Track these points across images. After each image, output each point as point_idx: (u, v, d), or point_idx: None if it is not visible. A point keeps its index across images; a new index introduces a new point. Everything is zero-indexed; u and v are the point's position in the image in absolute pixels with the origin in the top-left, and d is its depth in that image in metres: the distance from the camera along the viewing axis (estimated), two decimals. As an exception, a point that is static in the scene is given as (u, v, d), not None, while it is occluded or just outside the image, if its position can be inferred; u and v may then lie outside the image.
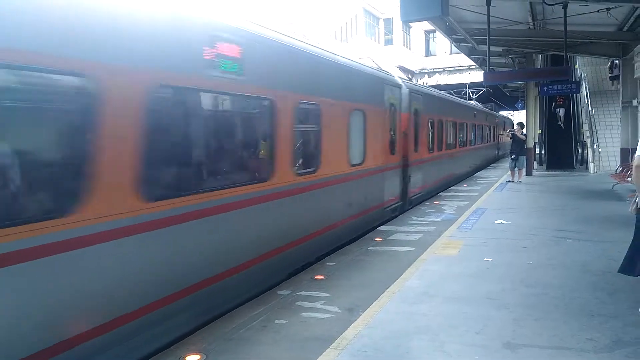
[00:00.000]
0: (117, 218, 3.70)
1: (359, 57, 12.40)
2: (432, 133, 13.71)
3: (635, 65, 15.24)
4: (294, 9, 31.62)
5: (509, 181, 16.16)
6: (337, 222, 7.70)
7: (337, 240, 7.68)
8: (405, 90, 11.17)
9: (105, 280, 3.66)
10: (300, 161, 6.58)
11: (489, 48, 13.83)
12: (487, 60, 14.37)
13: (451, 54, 34.99)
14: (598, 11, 12.31)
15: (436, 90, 17.49)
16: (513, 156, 16.13)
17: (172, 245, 4.28)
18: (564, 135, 22.35)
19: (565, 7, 12.18)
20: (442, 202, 12.21)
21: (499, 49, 17.98)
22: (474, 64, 24.51)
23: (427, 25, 31.02)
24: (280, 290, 5.55)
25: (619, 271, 4.90)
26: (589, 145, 19.41)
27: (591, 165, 18.58)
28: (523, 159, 16.24)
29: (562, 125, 22.56)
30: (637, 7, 12.47)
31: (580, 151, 21.02)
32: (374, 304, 5.04)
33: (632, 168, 5.12)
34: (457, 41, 18.01)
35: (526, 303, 5.01)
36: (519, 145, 16.14)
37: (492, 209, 10.81)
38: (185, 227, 4.37)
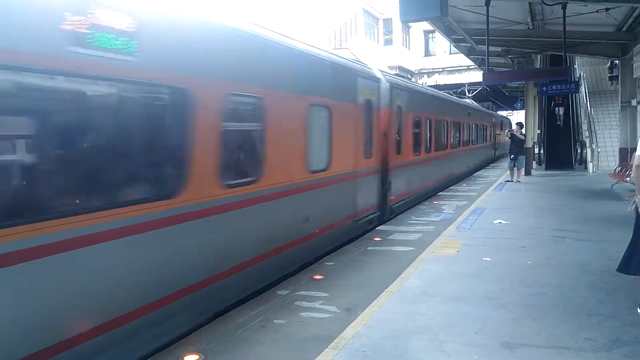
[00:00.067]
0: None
1: (333, 49, 11.35)
2: (419, 133, 12.38)
3: (634, 65, 15.24)
4: (293, 9, 31.65)
5: (508, 181, 16.17)
6: (286, 244, 6.16)
7: (281, 269, 6.10)
8: (385, 85, 9.78)
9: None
10: (233, 169, 5.35)
11: (488, 48, 13.84)
12: (486, 60, 14.36)
13: (450, 54, 35.06)
14: (597, 11, 12.31)
15: (423, 86, 16.62)
16: (512, 156, 16.15)
17: None
18: (563, 135, 22.37)
19: (564, 7, 12.17)
20: (441, 202, 12.23)
21: (498, 49, 17.97)
22: (473, 64, 24.52)
23: (426, 25, 31.11)
24: (279, 290, 5.55)
25: (617, 270, 4.94)
26: (587, 145, 19.45)
27: (590, 165, 18.61)
28: (522, 158, 16.26)
29: (561, 125, 22.58)
30: (636, 8, 12.47)
31: (579, 151, 21.07)
32: (373, 304, 5.04)
33: (631, 168, 5.13)
34: (456, 41, 18.02)
35: (525, 303, 5.01)
36: (518, 145, 16.16)
37: (491, 209, 10.82)
38: None
